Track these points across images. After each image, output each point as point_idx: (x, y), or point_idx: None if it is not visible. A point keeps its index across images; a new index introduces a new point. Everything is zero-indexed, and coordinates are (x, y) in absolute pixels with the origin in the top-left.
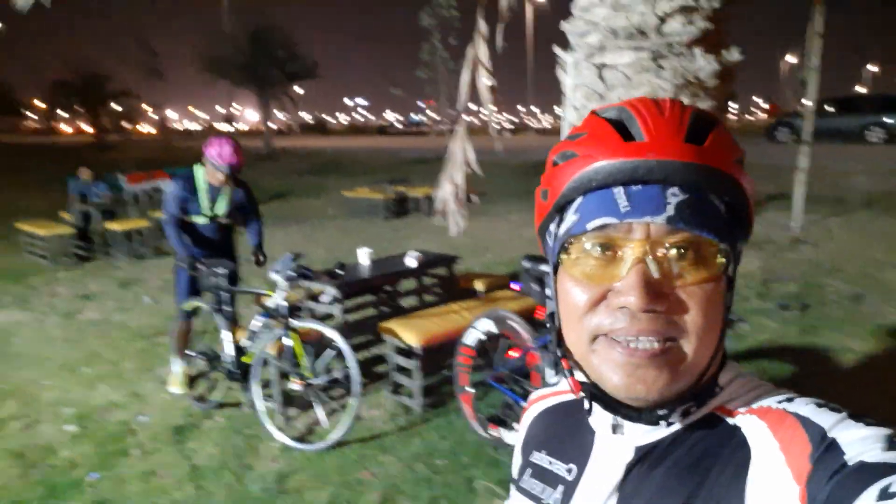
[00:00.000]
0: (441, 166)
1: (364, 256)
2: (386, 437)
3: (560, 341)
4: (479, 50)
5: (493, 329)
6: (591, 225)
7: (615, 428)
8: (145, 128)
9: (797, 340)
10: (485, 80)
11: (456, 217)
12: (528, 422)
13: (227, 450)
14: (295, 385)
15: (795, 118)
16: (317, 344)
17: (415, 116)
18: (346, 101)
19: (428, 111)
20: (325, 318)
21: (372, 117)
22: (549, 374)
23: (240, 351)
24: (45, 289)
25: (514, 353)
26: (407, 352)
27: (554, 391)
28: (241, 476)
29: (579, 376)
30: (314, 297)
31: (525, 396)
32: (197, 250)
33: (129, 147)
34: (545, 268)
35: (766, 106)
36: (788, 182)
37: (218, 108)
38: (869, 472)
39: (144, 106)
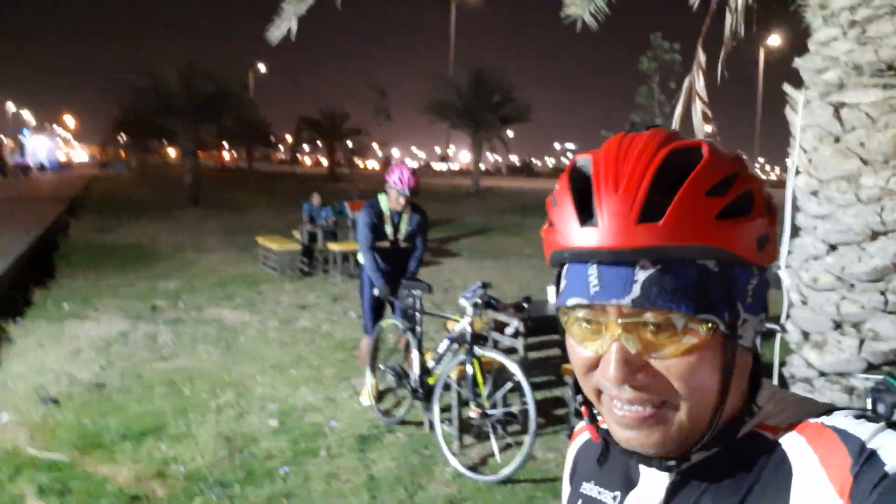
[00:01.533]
0: None
1: (552, 294)
2: (559, 482)
3: (579, 390)
4: (697, 79)
5: None
6: (569, 302)
7: None
8: (371, 163)
9: None
10: (700, 109)
11: None
12: (574, 453)
13: (403, 465)
14: (472, 413)
15: None
16: (497, 375)
17: None
18: (556, 145)
19: None
20: (507, 352)
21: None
22: None
23: (426, 371)
24: (271, 296)
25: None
26: None
27: (600, 420)
28: (412, 494)
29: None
30: (500, 329)
31: None
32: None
33: (357, 179)
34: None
35: None
36: None
37: (436, 148)
38: None
39: (374, 144)
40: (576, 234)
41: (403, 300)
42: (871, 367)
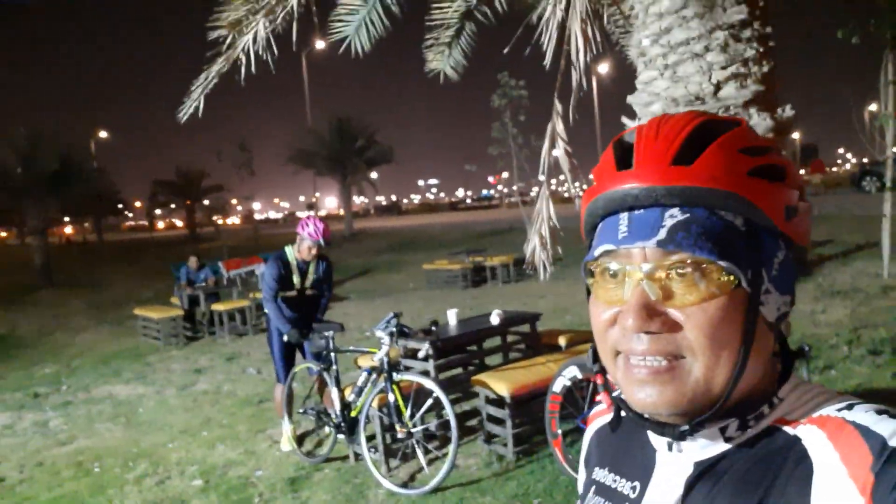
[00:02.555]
0: (513, 236)
1: (452, 317)
2: (483, 481)
3: (596, 358)
4: (557, 125)
5: (579, 375)
6: (597, 252)
7: (670, 445)
8: (232, 219)
9: (888, 384)
10: (563, 150)
11: (544, 264)
12: (590, 436)
13: (338, 497)
14: (399, 434)
15: (881, 166)
16: (416, 396)
17: (485, 191)
18: (419, 182)
19: (498, 186)
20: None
21: (443, 195)
22: None
23: (346, 406)
24: (161, 365)
25: (601, 397)
26: (498, 402)
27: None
28: None
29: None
30: (410, 355)
31: None
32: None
33: (221, 238)
34: None
35: (847, 158)
36: (877, 231)
37: (301, 197)
38: None
39: (233, 200)
40: (612, 178)
41: (316, 343)
42: None
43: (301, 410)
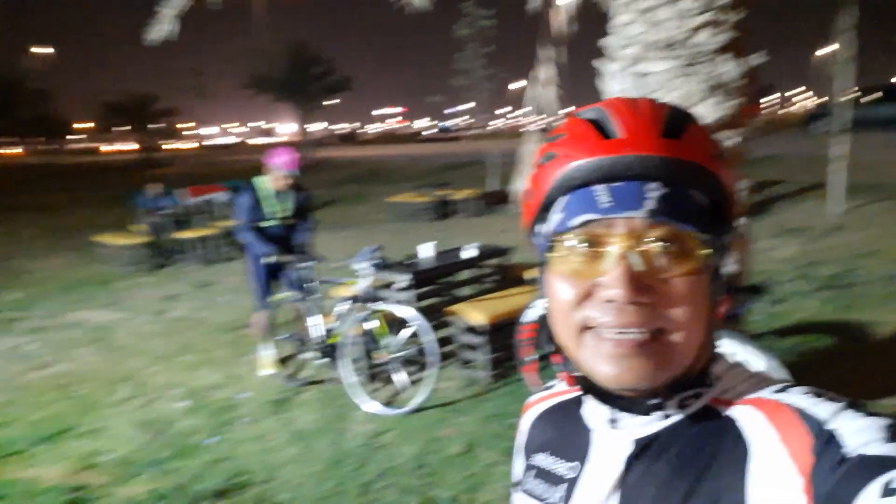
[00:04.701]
0: (475, 169)
1: (431, 249)
2: (460, 402)
3: (552, 337)
4: (549, 71)
5: None
6: (574, 222)
7: (612, 422)
8: (188, 144)
9: (835, 317)
10: (554, 92)
11: None
12: (528, 425)
13: (323, 417)
14: (380, 359)
15: (832, 109)
16: (396, 324)
17: (443, 123)
18: (377, 112)
19: (458, 119)
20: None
21: (399, 126)
22: None
23: (327, 333)
24: (129, 293)
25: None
26: (474, 330)
27: (552, 393)
28: (340, 435)
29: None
30: (388, 286)
31: None
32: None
33: (175, 163)
34: None
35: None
36: (826, 172)
37: (251, 123)
38: (871, 466)
39: (181, 124)
40: (597, 147)
41: (298, 273)
42: None
43: (281, 337)
